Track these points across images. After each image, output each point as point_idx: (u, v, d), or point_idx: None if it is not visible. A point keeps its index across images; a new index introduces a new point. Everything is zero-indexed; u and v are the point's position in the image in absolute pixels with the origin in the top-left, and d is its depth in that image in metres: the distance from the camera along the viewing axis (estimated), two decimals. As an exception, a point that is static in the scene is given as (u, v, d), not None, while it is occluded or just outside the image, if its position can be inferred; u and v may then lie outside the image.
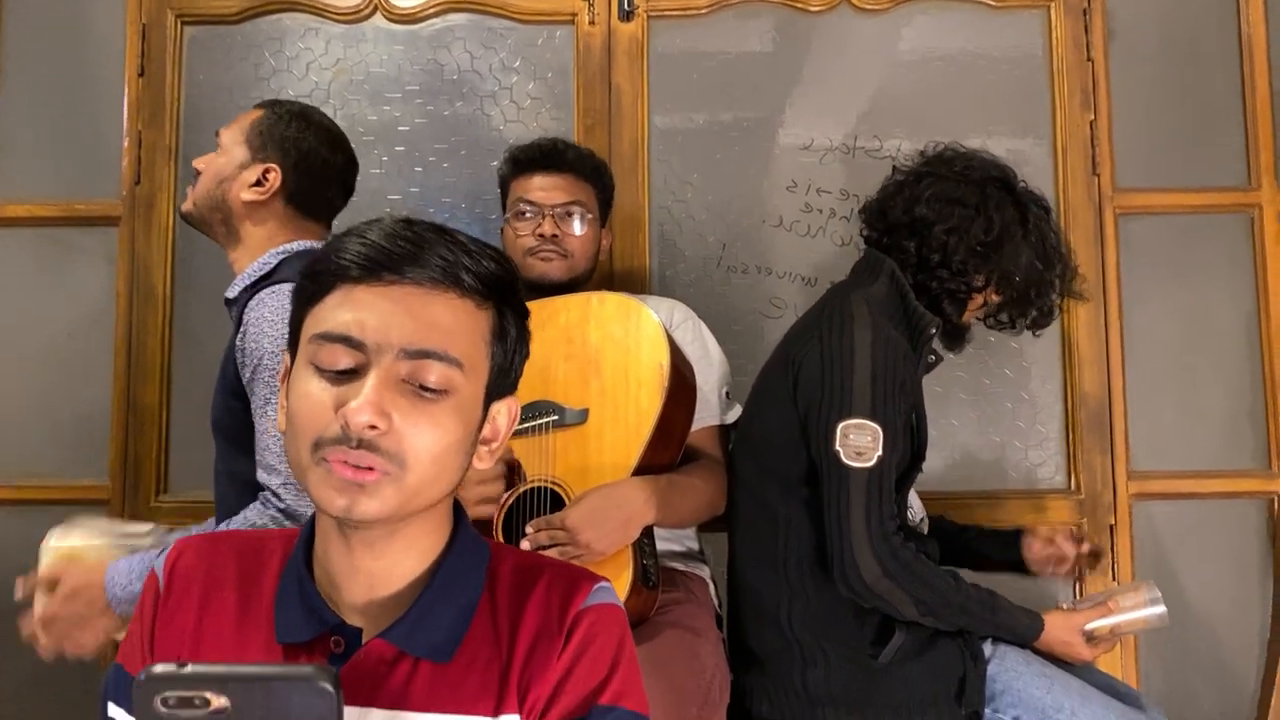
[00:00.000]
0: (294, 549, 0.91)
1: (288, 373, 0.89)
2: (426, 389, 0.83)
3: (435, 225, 0.88)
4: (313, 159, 1.63)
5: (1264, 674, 2.07)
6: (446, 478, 0.85)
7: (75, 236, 2.19)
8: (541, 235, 1.81)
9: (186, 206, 1.66)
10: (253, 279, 1.56)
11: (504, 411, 0.92)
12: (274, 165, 1.60)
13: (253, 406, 1.46)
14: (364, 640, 0.86)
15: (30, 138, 2.21)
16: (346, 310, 0.83)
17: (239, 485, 1.52)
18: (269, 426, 1.43)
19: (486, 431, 0.90)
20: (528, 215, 1.84)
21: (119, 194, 2.17)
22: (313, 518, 0.92)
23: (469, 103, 2.21)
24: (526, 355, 0.93)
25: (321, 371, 0.83)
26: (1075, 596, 2.03)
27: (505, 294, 0.89)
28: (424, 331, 0.83)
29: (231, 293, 1.60)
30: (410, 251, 0.84)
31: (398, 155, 2.19)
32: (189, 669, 0.65)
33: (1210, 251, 2.17)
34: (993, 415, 2.13)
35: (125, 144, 2.18)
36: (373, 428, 0.80)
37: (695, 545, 1.82)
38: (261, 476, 1.43)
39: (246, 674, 0.68)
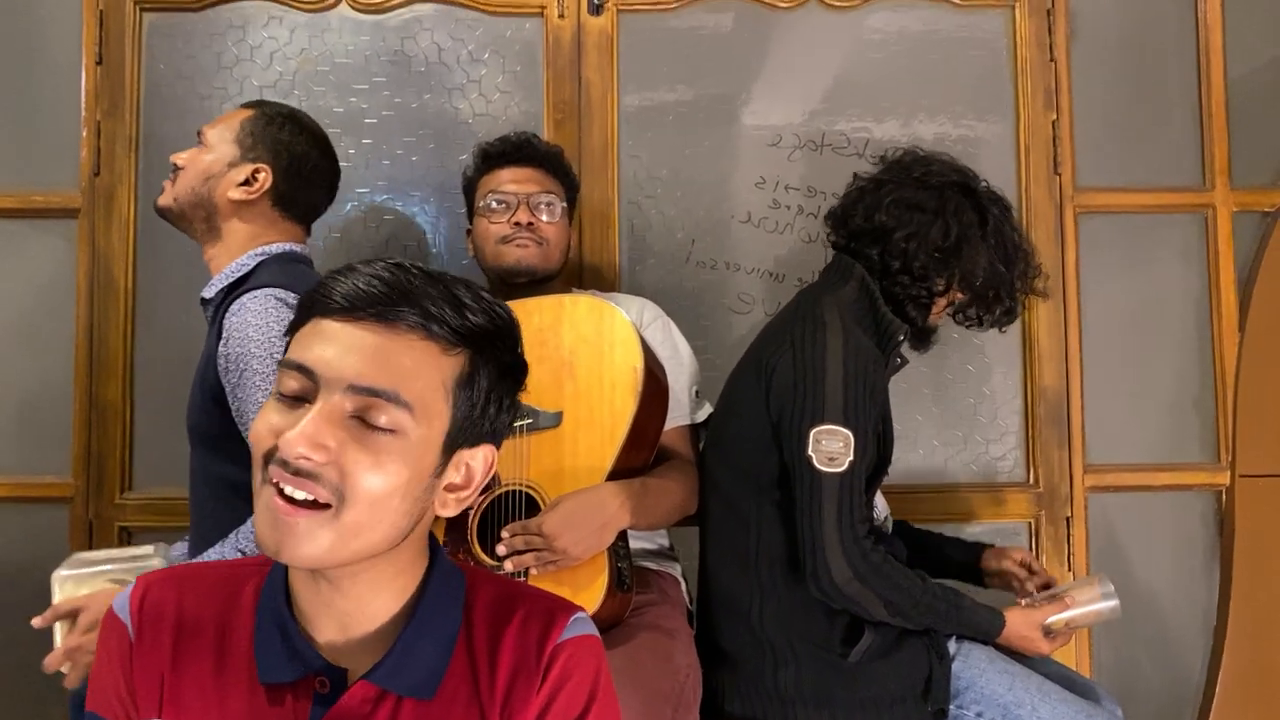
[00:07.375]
0: (268, 581, 0.90)
1: None
2: (375, 427, 0.82)
3: (436, 274, 0.86)
4: (304, 163, 1.65)
5: (1210, 659, 2.15)
6: (389, 522, 0.84)
7: (31, 228, 2.14)
8: (517, 224, 1.81)
9: (165, 201, 1.64)
10: (231, 279, 1.57)
11: (478, 459, 0.89)
12: (264, 166, 1.61)
13: (241, 409, 1.45)
14: (349, 680, 0.86)
15: (-19, 125, 2.16)
16: (311, 341, 0.84)
17: (215, 488, 1.52)
18: None
19: (456, 479, 0.88)
20: (498, 206, 1.83)
21: (78, 185, 2.13)
22: None
23: (437, 95, 2.19)
24: (510, 408, 0.90)
25: (279, 396, 0.84)
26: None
27: (485, 344, 0.87)
28: (376, 370, 0.82)
29: (208, 293, 1.60)
30: (391, 295, 0.83)
31: (365, 148, 2.16)
32: None
33: (1165, 249, 2.22)
34: (954, 410, 2.18)
35: (84, 134, 2.13)
36: (306, 459, 0.80)
37: (666, 543, 1.85)
38: None
39: None
